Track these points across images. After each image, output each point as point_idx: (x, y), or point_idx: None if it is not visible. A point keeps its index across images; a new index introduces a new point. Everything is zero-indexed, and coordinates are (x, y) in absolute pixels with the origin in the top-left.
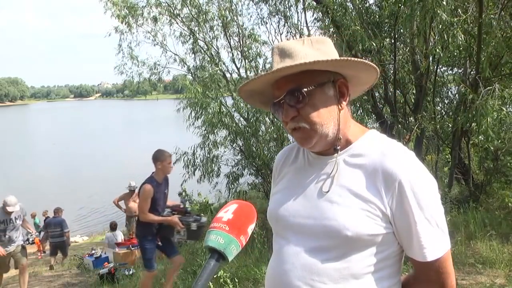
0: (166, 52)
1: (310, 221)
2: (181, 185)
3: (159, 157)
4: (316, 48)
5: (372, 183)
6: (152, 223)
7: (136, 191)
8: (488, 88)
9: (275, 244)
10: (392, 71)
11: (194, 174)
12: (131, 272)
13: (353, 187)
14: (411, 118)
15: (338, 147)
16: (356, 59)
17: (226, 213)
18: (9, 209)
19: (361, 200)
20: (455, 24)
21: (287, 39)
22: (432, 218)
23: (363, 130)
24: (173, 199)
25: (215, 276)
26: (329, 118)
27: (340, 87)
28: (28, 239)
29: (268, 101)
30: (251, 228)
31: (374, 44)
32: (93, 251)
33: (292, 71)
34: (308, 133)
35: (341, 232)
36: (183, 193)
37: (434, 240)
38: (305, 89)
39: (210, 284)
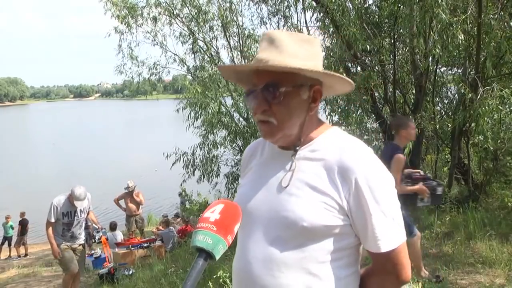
0: (166, 53)
1: (270, 213)
2: (181, 185)
3: (403, 124)
4: (304, 47)
5: (330, 177)
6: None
7: (136, 190)
8: (487, 87)
9: (239, 236)
10: (391, 71)
11: (193, 174)
12: (130, 272)
13: (311, 180)
14: (411, 118)
15: (298, 148)
16: (336, 74)
17: (213, 213)
18: (77, 203)
19: (318, 193)
20: (454, 24)
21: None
22: (387, 211)
23: (325, 127)
24: (172, 199)
25: (214, 276)
26: (297, 119)
27: (315, 92)
28: (94, 237)
29: (244, 79)
30: (237, 227)
31: (369, 47)
32: (93, 251)
33: (276, 69)
34: (274, 129)
35: (297, 223)
36: (183, 193)
37: (389, 232)
38: (283, 89)
39: (210, 284)
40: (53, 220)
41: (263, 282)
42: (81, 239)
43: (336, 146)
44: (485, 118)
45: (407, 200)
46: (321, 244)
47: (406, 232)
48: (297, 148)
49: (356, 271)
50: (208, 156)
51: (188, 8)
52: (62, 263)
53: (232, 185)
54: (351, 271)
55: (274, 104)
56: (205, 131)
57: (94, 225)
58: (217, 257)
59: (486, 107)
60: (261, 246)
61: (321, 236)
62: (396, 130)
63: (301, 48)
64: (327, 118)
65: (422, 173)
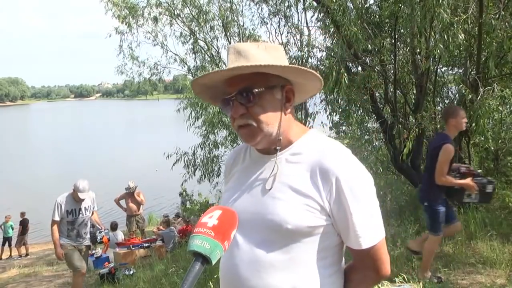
0: (167, 53)
1: (255, 217)
2: (182, 185)
3: (452, 113)
4: (270, 53)
5: (311, 179)
6: (442, 186)
7: (137, 190)
8: (488, 88)
9: None
10: (392, 71)
11: (194, 174)
12: (131, 272)
13: (293, 183)
14: (412, 118)
15: (278, 148)
16: (305, 68)
17: (211, 219)
18: (81, 195)
19: (301, 195)
20: (455, 24)
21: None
22: (367, 209)
23: (304, 130)
24: (173, 199)
25: (215, 276)
26: (275, 119)
27: (287, 92)
28: (96, 237)
29: (217, 96)
30: (233, 233)
31: (369, 47)
32: (94, 251)
33: (248, 71)
34: (254, 131)
35: (282, 226)
36: (184, 193)
37: (369, 230)
38: (256, 90)
39: (211, 284)
40: (57, 218)
41: (251, 283)
42: (87, 239)
43: (316, 148)
44: (486, 119)
45: (454, 194)
46: (306, 244)
47: (433, 229)
48: (277, 148)
49: (340, 269)
50: (209, 156)
51: (188, 8)
52: (69, 263)
53: None
54: (335, 269)
55: (250, 107)
56: (205, 131)
57: (97, 225)
58: (214, 262)
59: (487, 108)
60: (247, 248)
61: (305, 237)
62: (445, 119)
63: (267, 54)
64: (327, 118)
65: (471, 168)
